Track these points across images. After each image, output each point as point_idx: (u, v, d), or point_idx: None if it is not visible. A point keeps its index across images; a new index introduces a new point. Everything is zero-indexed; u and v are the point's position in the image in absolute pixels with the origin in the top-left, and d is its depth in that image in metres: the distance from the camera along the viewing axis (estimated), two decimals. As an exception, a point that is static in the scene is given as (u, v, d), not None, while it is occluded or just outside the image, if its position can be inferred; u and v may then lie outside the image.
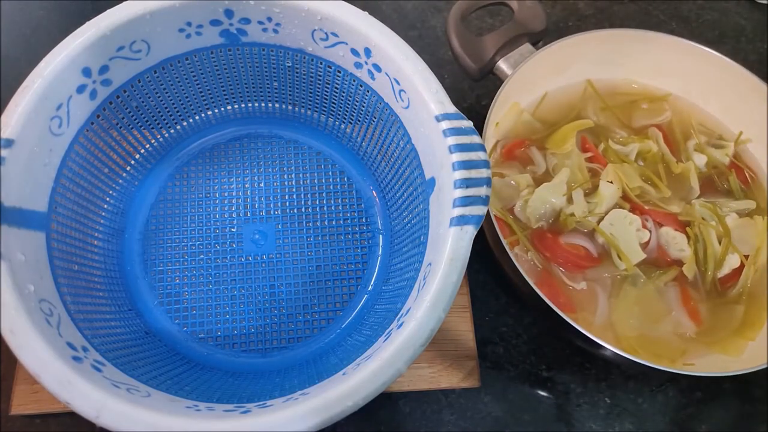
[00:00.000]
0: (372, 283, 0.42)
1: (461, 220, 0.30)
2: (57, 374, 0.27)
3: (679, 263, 0.43)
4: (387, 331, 0.31)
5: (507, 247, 0.38)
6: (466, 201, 0.31)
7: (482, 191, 0.31)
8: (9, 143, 0.30)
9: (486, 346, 0.44)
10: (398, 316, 0.32)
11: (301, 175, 0.44)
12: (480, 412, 0.42)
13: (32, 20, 0.52)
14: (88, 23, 0.33)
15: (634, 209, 0.44)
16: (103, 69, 0.35)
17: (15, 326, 0.27)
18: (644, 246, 0.43)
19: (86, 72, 0.34)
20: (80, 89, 0.34)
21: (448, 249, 0.30)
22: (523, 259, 0.42)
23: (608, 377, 0.44)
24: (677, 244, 0.43)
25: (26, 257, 0.30)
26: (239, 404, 0.29)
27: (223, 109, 0.44)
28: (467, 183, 0.31)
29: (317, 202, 0.44)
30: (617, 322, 0.41)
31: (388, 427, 0.41)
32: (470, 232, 0.30)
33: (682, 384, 0.44)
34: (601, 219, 0.43)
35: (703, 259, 0.43)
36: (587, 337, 0.35)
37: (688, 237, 0.43)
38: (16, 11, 0.52)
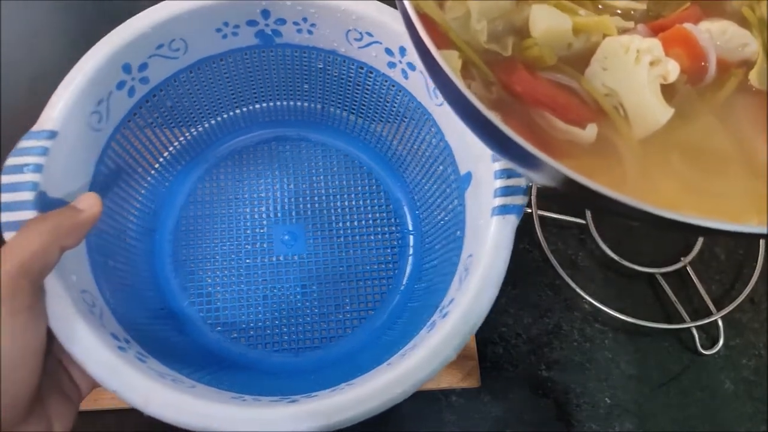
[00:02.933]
0: (404, 282, 0.42)
1: (503, 210, 0.30)
2: (105, 362, 0.27)
3: (745, 65, 0.28)
4: (429, 322, 0.31)
5: (437, 56, 0.22)
6: (507, 191, 0.31)
7: (522, 181, 0.31)
8: (53, 135, 0.30)
9: (486, 346, 0.43)
10: (440, 308, 0.32)
11: (329, 177, 0.45)
12: (480, 412, 0.42)
13: (33, 21, 0.51)
14: (128, 20, 0.34)
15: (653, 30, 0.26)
16: (143, 66, 0.35)
17: (61, 313, 0.27)
18: (670, 91, 0.26)
19: (126, 68, 0.34)
20: (120, 86, 0.34)
21: (491, 238, 0.30)
22: (486, 99, 0.26)
23: (608, 377, 0.44)
24: (732, 38, 0.28)
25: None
26: (284, 395, 0.29)
27: (252, 107, 0.44)
28: (508, 173, 0.31)
29: (346, 204, 0.44)
30: (654, 171, 0.26)
31: (388, 427, 0.41)
32: (512, 221, 0.30)
33: (683, 383, 0.44)
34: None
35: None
36: (601, 195, 0.20)
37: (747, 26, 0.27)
38: (17, 12, 0.52)
